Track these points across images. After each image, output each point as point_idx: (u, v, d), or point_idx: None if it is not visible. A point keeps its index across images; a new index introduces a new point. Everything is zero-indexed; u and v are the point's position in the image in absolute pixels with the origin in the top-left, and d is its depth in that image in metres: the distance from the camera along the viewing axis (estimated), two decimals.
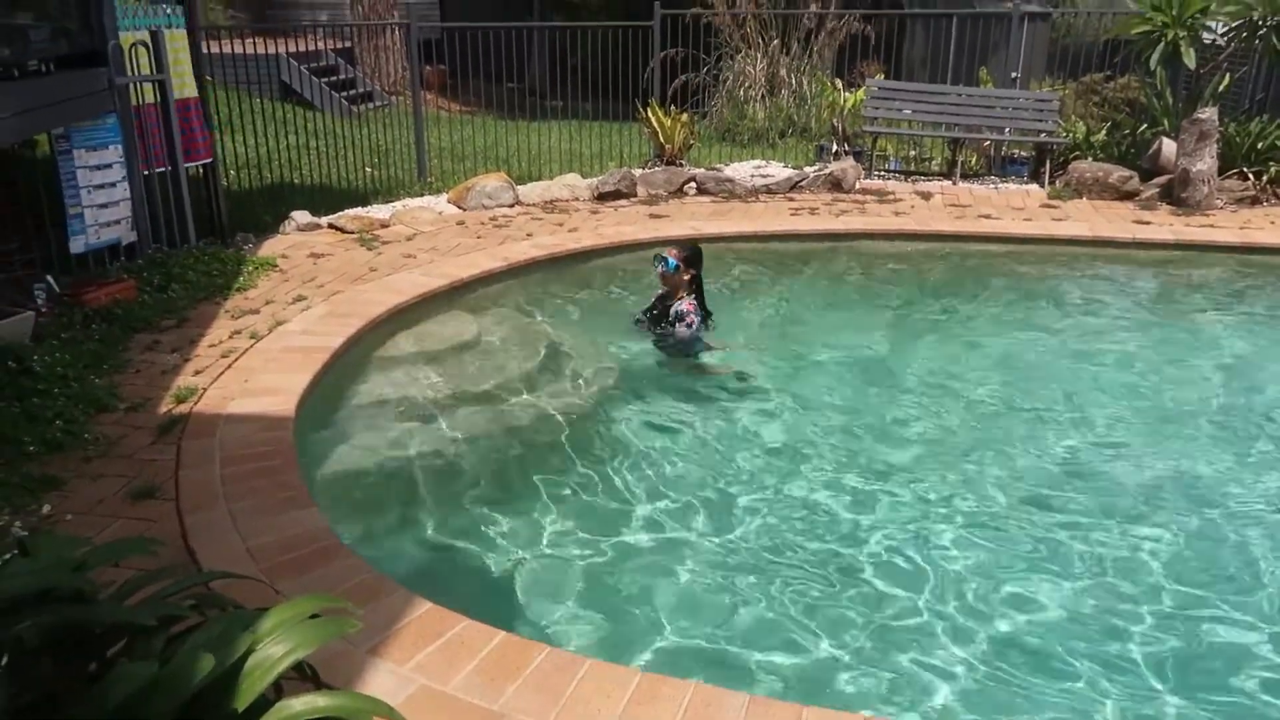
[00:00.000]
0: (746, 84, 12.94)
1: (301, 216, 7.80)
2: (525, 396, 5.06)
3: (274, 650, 1.91)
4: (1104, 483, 4.36)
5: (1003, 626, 3.33)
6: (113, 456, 4.04)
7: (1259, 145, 9.07)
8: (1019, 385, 5.48)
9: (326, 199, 8.66)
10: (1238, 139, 9.13)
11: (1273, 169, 8.94)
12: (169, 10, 6.95)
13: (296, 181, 9.32)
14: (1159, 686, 3.06)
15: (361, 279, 6.42)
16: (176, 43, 6.89)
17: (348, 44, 15.99)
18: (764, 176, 9.49)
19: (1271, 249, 7.71)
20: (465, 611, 3.06)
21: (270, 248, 7.22)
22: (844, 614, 3.39)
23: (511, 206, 8.66)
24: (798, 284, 7.28)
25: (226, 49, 8.93)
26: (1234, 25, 9.08)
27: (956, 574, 3.62)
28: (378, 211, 8.31)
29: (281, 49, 13.50)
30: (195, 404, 4.51)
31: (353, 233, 7.59)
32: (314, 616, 2.10)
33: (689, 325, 5.54)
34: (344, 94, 14.01)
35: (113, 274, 6.11)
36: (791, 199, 9.17)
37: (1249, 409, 5.19)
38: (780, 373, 5.51)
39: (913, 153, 10.99)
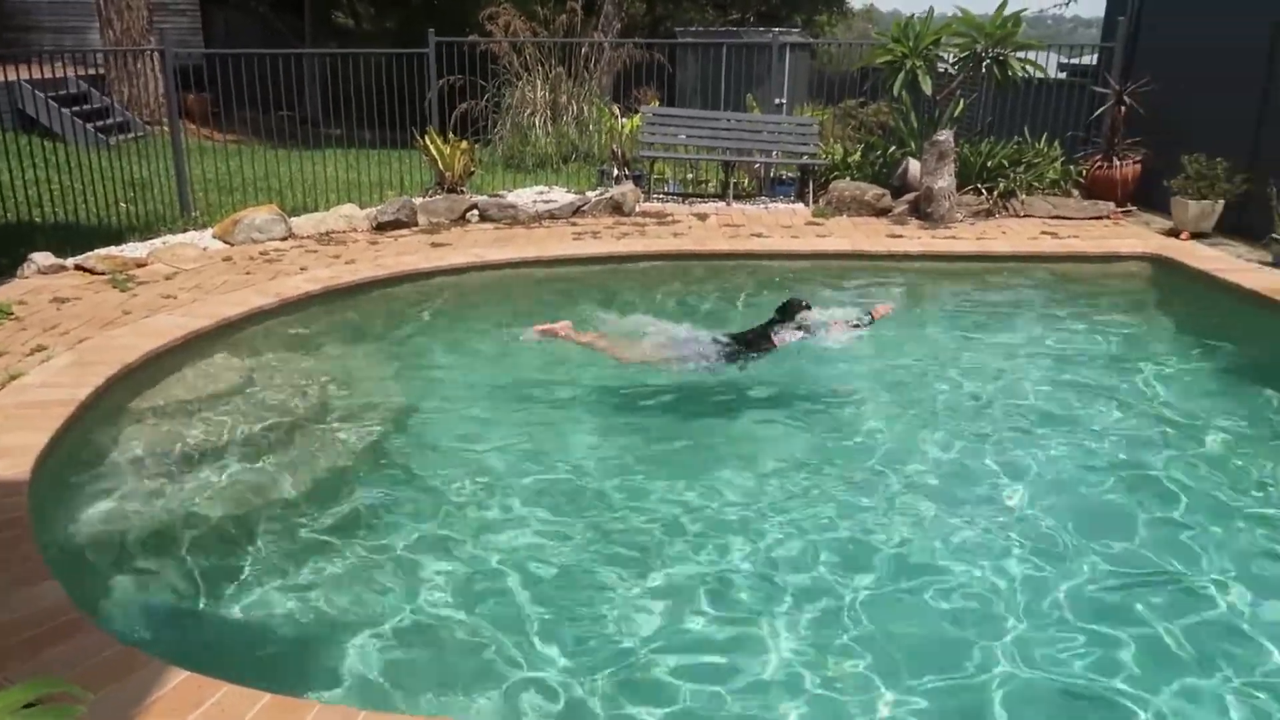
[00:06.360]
0: (529, 110, 13.06)
1: (43, 258, 7.15)
2: (295, 442, 4.84)
3: None
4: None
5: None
6: None
7: (989, 164, 10.10)
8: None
9: (74, 238, 7.99)
10: (972, 158, 10.12)
11: (1001, 185, 9.97)
12: None
13: (38, 220, 8.54)
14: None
15: (113, 323, 5.97)
16: None
17: (100, 70, 14.85)
18: (547, 202, 9.60)
19: (1004, 256, 8.59)
20: (227, 677, 2.89)
21: (5, 293, 6.56)
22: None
23: (284, 240, 8.31)
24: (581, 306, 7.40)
25: None
26: (962, 56, 10.07)
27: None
28: (133, 250, 7.74)
29: (20, 75, 12.38)
30: None
31: (104, 274, 7.03)
32: (31, 705, 1.94)
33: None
34: (95, 124, 12.98)
35: None
36: (574, 224, 9.31)
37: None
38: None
39: (689, 175, 11.44)
